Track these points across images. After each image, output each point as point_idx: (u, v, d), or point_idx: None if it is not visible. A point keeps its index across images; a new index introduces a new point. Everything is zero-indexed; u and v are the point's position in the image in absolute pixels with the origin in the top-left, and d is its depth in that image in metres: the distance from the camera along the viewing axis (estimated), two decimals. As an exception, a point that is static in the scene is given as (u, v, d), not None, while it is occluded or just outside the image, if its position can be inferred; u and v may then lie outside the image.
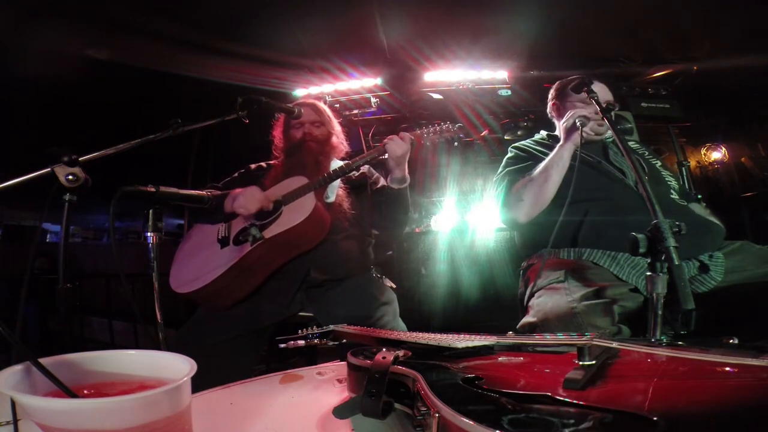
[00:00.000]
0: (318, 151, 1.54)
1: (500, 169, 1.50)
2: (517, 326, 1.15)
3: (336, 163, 1.55)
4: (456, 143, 1.53)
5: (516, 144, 1.55)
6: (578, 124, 1.28)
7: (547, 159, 1.32)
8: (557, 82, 1.56)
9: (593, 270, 1.16)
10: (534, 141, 1.55)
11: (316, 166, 1.50)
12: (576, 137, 1.29)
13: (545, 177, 1.29)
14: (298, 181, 1.43)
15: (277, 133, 1.64)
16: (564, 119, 1.39)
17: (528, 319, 1.14)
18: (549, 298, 1.13)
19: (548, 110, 1.59)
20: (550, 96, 1.58)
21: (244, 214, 1.36)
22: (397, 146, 1.40)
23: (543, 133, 1.58)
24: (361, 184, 1.58)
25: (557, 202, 1.28)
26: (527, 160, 1.42)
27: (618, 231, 1.15)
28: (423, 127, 1.51)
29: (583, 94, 1.32)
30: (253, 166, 1.66)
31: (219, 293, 1.35)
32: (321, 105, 1.64)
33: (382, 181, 1.58)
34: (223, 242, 1.42)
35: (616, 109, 1.44)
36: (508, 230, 2.71)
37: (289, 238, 1.34)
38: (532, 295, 1.20)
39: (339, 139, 1.63)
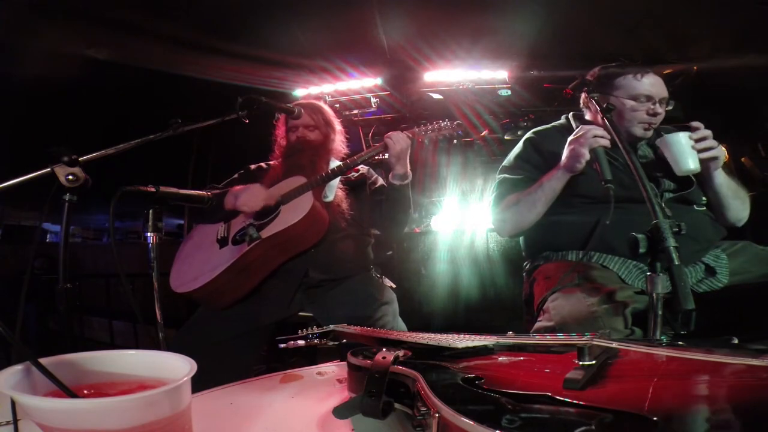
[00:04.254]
0: (312, 154, 1.52)
1: (504, 164, 1.40)
2: (531, 331, 1.11)
3: (336, 164, 1.54)
4: (455, 141, 1.51)
5: (532, 136, 1.39)
6: (593, 152, 1.12)
7: (538, 186, 1.23)
8: (596, 69, 1.36)
9: (601, 272, 1.14)
10: (555, 129, 1.39)
11: (312, 168, 1.49)
12: (577, 168, 1.16)
13: (530, 206, 1.23)
14: (296, 181, 1.43)
15: (279, 133, 1.63)
16: (575, 134, 1.18)
17: (544, 323, 1.09)
18: (566, 301, 1.08)
19: (581, 104, 1.40)
20: (585, 81, 1.33)
21: (247, 212, 1.36)
22: (395, 142, 1.39)
23: (569, 115, 1.41)
24: (360, 184, 1.57)
25: (564, 202, 1.25)
26: (535, 165, 1.32)
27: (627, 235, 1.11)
28: (422, 125, 1.50)
29: (633, 88, 1.22)
30: (252, 166, 1.66)
31: (218, 293, 1.35)
32: (319, 106, 1.61)
33: (380, 181, 1.58)
34: (222, 242, 1.42)
35: (670, 107, 1.30)
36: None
37: (286, 238, 1.34)
38: (545, 299, 1.15)
39: (337, 141, 1.61)
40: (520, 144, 1.40)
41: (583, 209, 1.23)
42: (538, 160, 1.33)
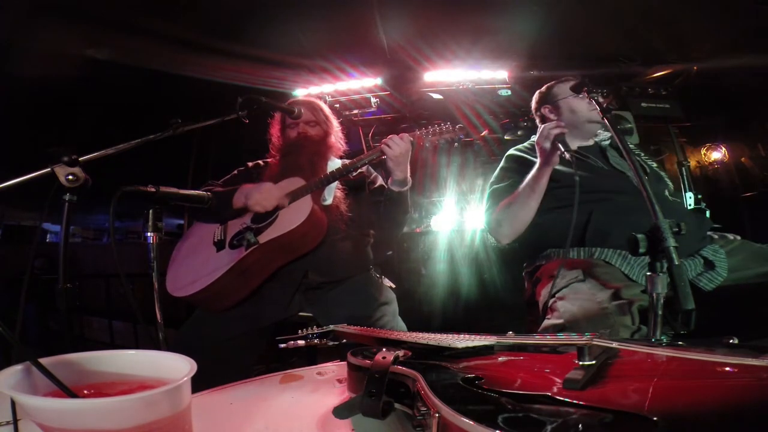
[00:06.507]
0: (313, 150, 1.51)
1: (491, 180, 1.50)
2: (539, 329, 1.11)
3: (334, 164, 1.53)
4: (456, 144, 1.51)
5: (512, 152, 1.53)
6: (557, 145, 1.23)
7: (525, 184, 1.31)
8: (540, 91, 1.57)
9: (605, 269, 1.15)
10: (532, 145, 1.50)
11: (311, 167, 1.48)
12: (554, 159, 1.26)
13: (521, 204, 1.30)
14: (295, 183, 1.41)
15: (275, 132, 1.62)
16: (537, 134, 1.32)
17: (553, 321, 1.09)
18: (574, 299, 1.09)
19: (534, 112, 1.60)
20: (534, 104, 1.58)
21: (259, 211, 1.34)
22: (394, 146, 1.37)
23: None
24: (359, 184, 1.56)
25: (555, 197, 1.28)
26: (519, 172, 1.40)
27: (623, 231, 1.13)
28: (423, 127, 1.48)
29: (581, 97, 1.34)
30: (250, 164, 1.64)
31: (216, 296, 1.34)
32: (318, 103, 1.61)
33: (380, 181, 1.57)
34: (219, 245, 1.40)
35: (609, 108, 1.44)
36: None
37: (285, 242, 1.31)
38: (551, 297, 1.16)
39: (336, 138, 1.60)
40: (503, 159, 1.54)
41: (578, 207, 1.24)
42: (521, 170, 1.41)
